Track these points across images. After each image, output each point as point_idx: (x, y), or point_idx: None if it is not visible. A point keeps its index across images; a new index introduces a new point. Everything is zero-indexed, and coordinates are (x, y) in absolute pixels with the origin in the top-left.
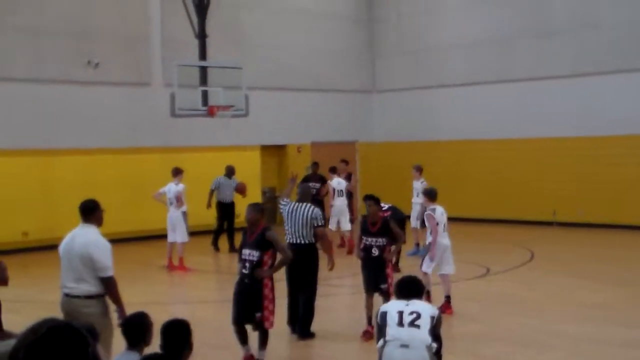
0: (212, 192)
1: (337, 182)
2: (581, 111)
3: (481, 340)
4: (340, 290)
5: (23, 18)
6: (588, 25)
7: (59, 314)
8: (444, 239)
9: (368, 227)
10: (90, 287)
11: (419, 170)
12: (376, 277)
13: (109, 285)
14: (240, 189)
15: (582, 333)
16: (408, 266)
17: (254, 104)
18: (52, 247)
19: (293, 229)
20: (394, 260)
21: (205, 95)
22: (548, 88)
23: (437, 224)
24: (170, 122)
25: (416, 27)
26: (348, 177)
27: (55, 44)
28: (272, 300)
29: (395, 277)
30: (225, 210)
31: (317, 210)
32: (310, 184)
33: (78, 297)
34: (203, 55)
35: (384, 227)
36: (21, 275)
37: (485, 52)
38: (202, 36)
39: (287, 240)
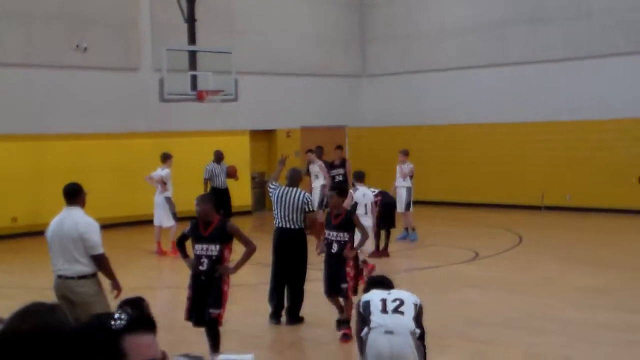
0: (206, 181)
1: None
2: (571, 95)
3: (473, 324)
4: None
5: (13, 3)
6: (579, 10)
7: (49, 299)
8: (366, 221)
9: (331, 219)
10: (82, 267)
11: (406, 154)
12: (336, 276)
13: (101, 262)
14: (231, 173)
15: (575, 317)
16: (397, 250)
17: (243, 89)
18: (42, 232)
19: (282, 213)
20: (381, 246)
21: (194, 80)
22: (539, 72)
23: (357, 204)
24: (159, 107)
25: (407, 11)
26: (342, 163)
27: (45, 28)
28: (227, 298)
29: (383, 262)
30: (221, 196)
31: (308, 195)
32: (334, 172)
33: (72, 277)
34: (192, 39)
35: (347, 220)
36: (12, 261)
37: (476, 37)
38: (191, 20)
39: (276, 225)
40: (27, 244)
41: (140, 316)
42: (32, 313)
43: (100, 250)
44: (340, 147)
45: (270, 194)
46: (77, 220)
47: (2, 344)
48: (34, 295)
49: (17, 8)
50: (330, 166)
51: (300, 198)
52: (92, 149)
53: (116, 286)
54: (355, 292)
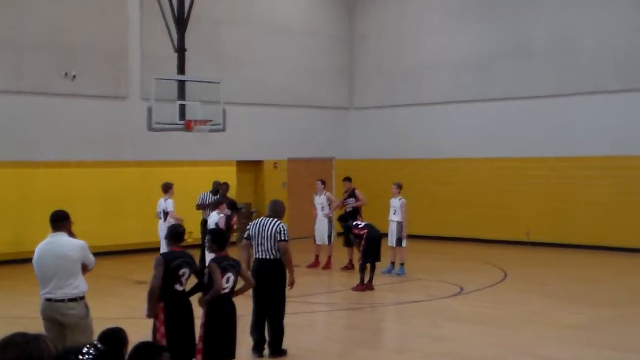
0: (198, 207)
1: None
2: (557, 132)
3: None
4: (313, 307)
5: (2, 31)
6: (567, 47)
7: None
8: None
9: None
10: (72, 289)
11: (399, 187)
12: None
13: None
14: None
15: (559, 354)
16: (382, 284)
17: (231, 119)
18: (26, 260)
19: (258, 243)
20: (366, 279)
21: (182, 109)
22: (525, 108)
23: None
24: (147, 136)
25: (396, 46)
26: (352, 194)
27: (34, 56)
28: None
29: (367, 296)
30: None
31: (283, 225)
32: (345, 202)
33: (62, 300)
34: (182, 69)
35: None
36: None
37: (464, 72)
38: (181, 50)
39: (254, 256)
40: (10, 271)
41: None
42: (14, 344)
43: (93, 263)
44: (348, 179)
45: (249, 229)
46: (69, 244)
47: None
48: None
49: (6, 35)
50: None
51: (274, 227)
52: (79, 177)
53: None
54: None
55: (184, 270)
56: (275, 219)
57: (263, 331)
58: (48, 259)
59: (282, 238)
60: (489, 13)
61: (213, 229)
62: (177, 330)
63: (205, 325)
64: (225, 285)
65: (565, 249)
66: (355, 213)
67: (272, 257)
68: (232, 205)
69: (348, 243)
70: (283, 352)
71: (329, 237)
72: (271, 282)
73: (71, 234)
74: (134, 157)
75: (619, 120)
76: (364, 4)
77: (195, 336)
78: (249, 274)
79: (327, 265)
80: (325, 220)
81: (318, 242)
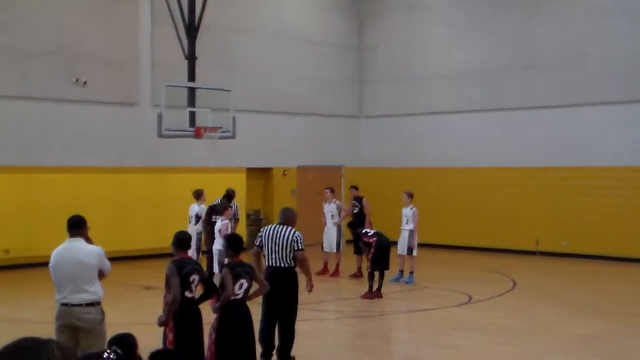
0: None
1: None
2: (565, 142)
3: None
4: (322, 314)
5: (13, 38)
6: (573, 58)
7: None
8: None
9: None
10: (89, 295)
11: (410, 196)
12: None
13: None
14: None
15: None
16: (390, 292)
17: (241, 126)
18: (34, 265)
19: (272, 252)
20: (375, 287)
21: (192, 116)
22: (533, 118)
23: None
24: (157, 143)
25: (405, 55)
26: (359, 202)
27: (45, 62)
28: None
29: (376, 304)
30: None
31: (298, 233)
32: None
33: (79, 305)
34: (192, 76)
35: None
36: (2, 294)
37: (471, 82)
38: (191, 58)
39: (267, 263)
40: (19, 276)
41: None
42: (23, 349)
43: (109, 269)
44: (355, 188)
45: (260, 236)
46: (87, 250)
47: None
48: (24, 329)
49: (17, 42)
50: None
51: (290, 236)
52: (88, 183)
53: None
54: None
55: (194, 277)
56: (289, 227)
57: (272, 338)
58: (65, 265)
59: (300, 247)
60: (497, 24)
61: (229, 234)
62: (185, 338)
63: (217, 331)
64: (237, 292)
65: (574, 258)
66: (362, 218)
67: (286, 265)
68: (229, 197)
69: (358, 251)
70: (292, 359)
71: (338, 244)
72: (285, 290)
73: (88, 240)
74: (143, 163)
75: (626, 131)
76: (373, 14)
77: (203, 343)
78: (261, 278)
79: (336, 273)
80: (335, 228)
81: (326, 250)
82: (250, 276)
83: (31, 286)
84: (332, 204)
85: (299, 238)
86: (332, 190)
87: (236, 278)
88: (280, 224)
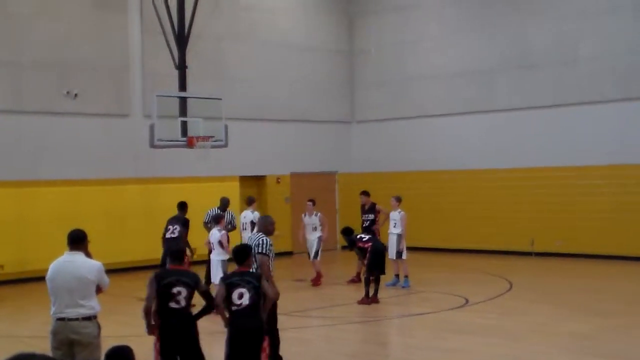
0: (205, 225)
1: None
2: (559, 142)
3: None
4: (318, 321)
5: (2, 50)
6: (566, 57)
7: (37, 348)
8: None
9: None
10: (86, 310)
11: (399, 200)
12: None
13: None
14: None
15: None
16: (387, 297)
17: (233, 135)
18: (28, 279)
19: None
20: (371, 292)
21: (184, 126)
22: (526, 119)
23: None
24: (149, 153)
25: (396, 59)
26: (372, 208)
27: (35, 75)
28: None
29: (372, 309)
30: None
31: (264, 238)
32: (364, 217)
33: (75, 319)
34: (183, 86)
35: None
36: None
37: (464, 83)
38: (182, 67)
39: None
40: (13, 291)
41: None
42: None
43: (108, 284)
44: (366, 193)
45: None
46: (86, 265)
47: None
48: (18, 344)
49: (6, 55)
50: (362, 211)
51: (254, 241)
52: (81, 195)
53: None
54: None
55: (179, 289)
56: (259, 234)
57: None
58: (62, 278)
59: (260, 251)
60: (489, 24)
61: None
62: (169, 348)
63: (225, 342)
64: (237, 302)
65: (570, 258)
66: (372, 226)
67: (254, 270)
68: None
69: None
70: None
71: (316, 253)
72: None
73: (88, 255)
74: (136, 174)
75: (620, 129)
76: (363, 17)
77: (194, 354)
78: (267, 286)
79: (316, 282)
80: (317, 240)
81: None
82: (253, 285)
83: (26, 301)
84: (313, 217)
85: (261, 242)
86: (313, 202)
87: (230, 287)
88: (257, 231)
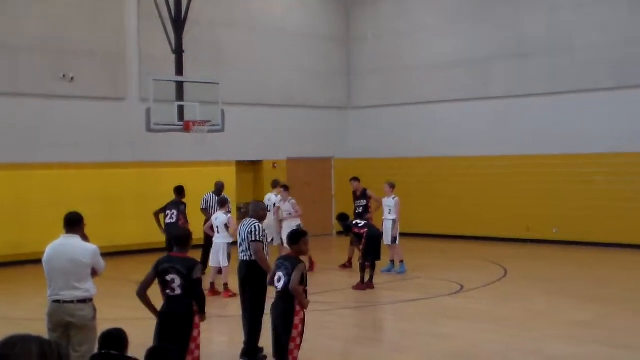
0: (203, 210)
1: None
2: (555, 129)
3: (458, 358)
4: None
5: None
6: (562, 45)
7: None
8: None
9: None
10: (82, 292)
11: (392, 186)
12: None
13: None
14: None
15: (561, 351)
16: (382, 282)
17: (230, 120)
18: (23, 262)
19: (239, 245)
20: (366, 278)
21: (181, 110)
22: (522, 106)
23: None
24: (145, 137)
25: (393, 45)
26: (363, 194)
27: (31, 58)
28: None
29: (367, 294)
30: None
31: (256, 225)
32: (357, 203)
33: (71, 302)
34: (180, 70)
35: None
36: None
37: (460, 71)
38: (179, 51)
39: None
40: (8, 274)
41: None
42: (14, 346)
43: (104, 269)
44: (356, 179)
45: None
46: (81, 248)
47: None
48: (15, 326)
49: (2, 38)
50: (354, 197)
51: (246, 227)
52: (77, 179)
53: None
54: None
55: (172, 277)
56: (252, 219)
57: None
58: (59, 261)
59: (254, 238)
60: (485, 12)
61: (294, 229)
62: (164, 334)
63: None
64: (275, 284)
65: (565, 245)
66: (365, 213)
67: (247, 258)
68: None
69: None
70: (255, 353)
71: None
72: (247, 283)
73: (85, 237)
74: (132, 158)
75: (615, 117)
76: (360, 4)
77: (187, 342)
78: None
79: (310, 269)
80: (289, 229)
81: (277, 243)
82: (288, 270)
83: (21, 283)
84: (286, 203)
85: (254, 229)
86: (286, 189)
87: (275, 269)
88: (249, 217)
